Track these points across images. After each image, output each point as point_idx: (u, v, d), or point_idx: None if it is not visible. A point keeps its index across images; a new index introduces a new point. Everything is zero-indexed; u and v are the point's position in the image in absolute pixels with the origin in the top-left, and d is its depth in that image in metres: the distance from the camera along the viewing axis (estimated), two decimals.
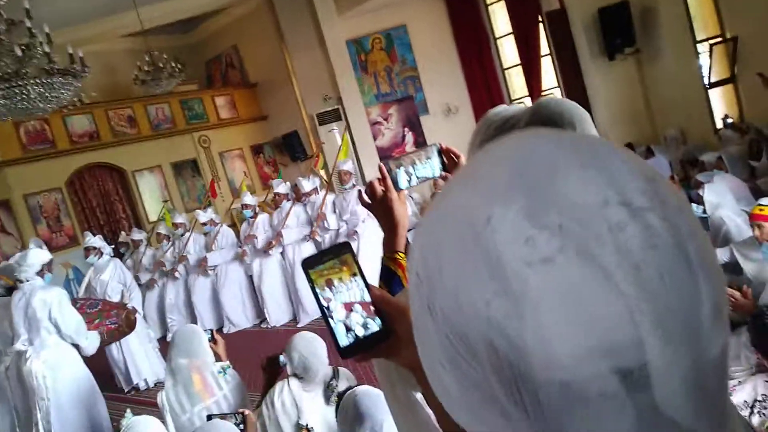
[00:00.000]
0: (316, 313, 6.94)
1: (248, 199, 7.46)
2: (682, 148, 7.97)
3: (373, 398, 2.17)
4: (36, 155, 9.71)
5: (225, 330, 7.55)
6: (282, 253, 7.25)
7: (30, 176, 9.59)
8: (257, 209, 7.48)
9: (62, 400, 4.26)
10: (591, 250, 0.37)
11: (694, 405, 0.37)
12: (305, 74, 11.49)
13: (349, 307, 0.74)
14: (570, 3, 9.13)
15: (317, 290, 0.73)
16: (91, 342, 4.63)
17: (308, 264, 0.74)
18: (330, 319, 0.73)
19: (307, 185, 6.98)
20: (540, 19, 9.95)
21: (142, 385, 6.09)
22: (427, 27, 11.19)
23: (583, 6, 8.87)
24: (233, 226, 9.07)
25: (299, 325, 6.98)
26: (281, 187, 7.29)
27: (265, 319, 7.44)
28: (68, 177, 10.20)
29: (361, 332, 0.74)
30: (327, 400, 2.86)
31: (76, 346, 4.53)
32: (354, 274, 0.75)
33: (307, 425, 2.77)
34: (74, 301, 5.34)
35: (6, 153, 9.36)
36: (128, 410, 3.21)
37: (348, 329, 0.74)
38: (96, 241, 6.41)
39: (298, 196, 7.28)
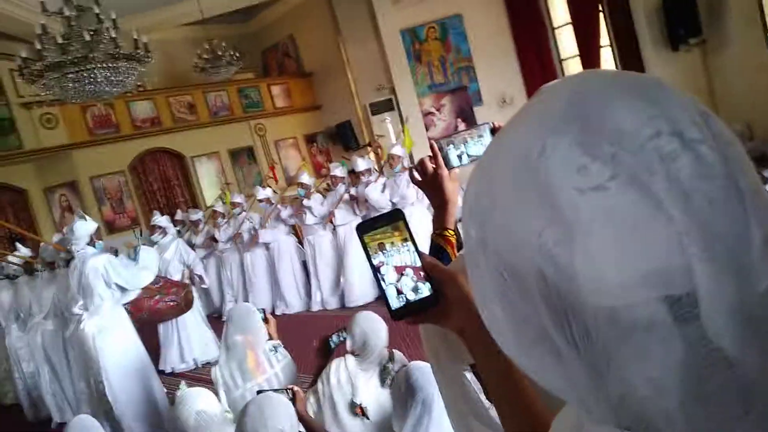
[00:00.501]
0: (361, 299, 7.04)
1: (305, 178, 7.60)
2: (748, 144, 7.64)
3: (425, 372, 2.20)
4: (101, 139, 10.17)
5: (277, 312, 7.73)
6: (334, 234, 7.36)
7: (95, 159, 10.05)
8: (312, 190, 7.61)
9: (112, 365, 4.47)
10: (642, 178, 0.38)
11: (741, 334, 0.37)
12: (359, 64, 11.57)
13: (400, 271, 0.76)
14: None
15: (370, 254, 0.76)
16: (151, 268, 4.92)
17: (362, 229, 0.77)
18: (381, 282, 0.76)
19: (362, 164, 7.04)
20: (600, 8, 9.67)
21: (191, 365, 6.25)
22: (483, 16, 11.04)
23: None
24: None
25: (346, 308, 7.08)
26: (338, 170, 7.41)
27: (314, 302, 7.57)
28: (131, 161, 10.63)
29: (411, 296, 0.76)
30: (382, 382, 2.89)
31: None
32: (405, 240, 0.77)
33: (360, 404, 2.80)
34: None
35: (74, 136, 9.83)
36: (183, 382, 3.34)
37: (399, 292, 0.76)
38: (163, 220, 6.68)
39: (353, 182, 7.37)
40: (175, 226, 8.82)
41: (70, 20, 5.73)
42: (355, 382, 2.87)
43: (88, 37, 5.56)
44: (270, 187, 8.49)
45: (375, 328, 2.89)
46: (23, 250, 5.75)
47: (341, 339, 3.02)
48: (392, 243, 0.77)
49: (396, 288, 0.76)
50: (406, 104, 11.16)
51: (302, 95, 13.20)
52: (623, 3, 9.00)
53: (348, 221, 7.11)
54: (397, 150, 6.77)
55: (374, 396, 2.87)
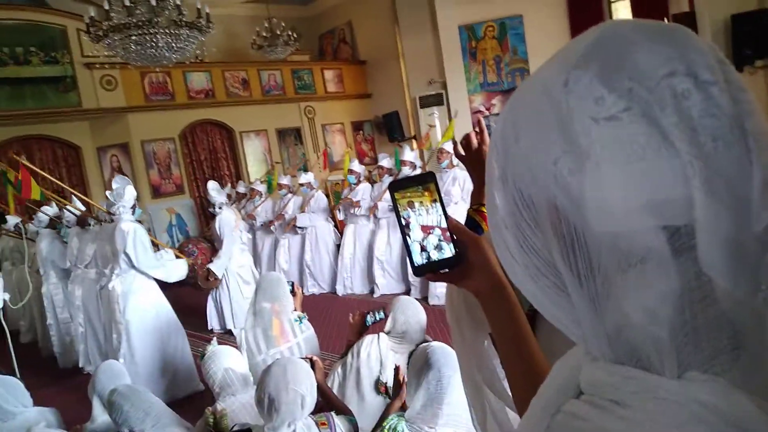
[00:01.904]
0: (388, 289, 7.09)
1: (355, 165, 7.67)
2: None
3: (446, 353, 2.22)
4: (156, 105, 10.44)
5: (305, 291, 7.85)
6: (375, 224, 7.40)
7: (149, 124, 10.34)
8: (361, 177, 7.66)
9: (134, 324, 4.63)
10: (654, 112, 0.40)
11: (734, 269, 0.39)
12: (413, 56, 11.57)
13: (426, 230, 0.79)
14: (701, 6, 8.59)
15: (399, 210, 0.79)
16: (170, 271, 4.93)
17: (394, 186, 0.81)
18: (407, 238, 0.79)
19: (408, 154, 7.06)
20: (666, 20, 9.44)
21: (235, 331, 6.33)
22: (544, 19, 10.88)
23: (715, 10, 8.33)
24: (327, 197, 9.34)
25: (374, 297, 7.14)
26: (386, 161, 7.44)
27: (342, 286, 7.64)
28: (182, 129, 10.89)
29: (435, 254, 0.79)
30: None
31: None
32: (435, 201, 0.80)
33: (386, 383, 2.83)
34: (184, 244, 5.68)
35: (131, 100, 10.13)
36: (214, 339, 3.43)
37: (422, 249, 0.79)
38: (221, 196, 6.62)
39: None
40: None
41: None
42: (385, 361, 2.90)
43: (154, 2, 5.75)
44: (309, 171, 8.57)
45: (417, 319, 2.91)
46: (78, 204, 5.96)
47: (377, 318, 3.06)
48: (421, 202, 0.80)
49: (420, 245, 0.79)
50: (456, 100, 11.12)
51: (354, 82, 13.27)
52: (690, 18, 8.75)
53: (390, 215, 7.13)
54: (448, 145, 6.75)
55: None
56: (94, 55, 8.49)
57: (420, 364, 2.23)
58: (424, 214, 0.79)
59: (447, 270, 0.81)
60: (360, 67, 13.38)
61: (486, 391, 1.03)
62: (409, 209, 0.79)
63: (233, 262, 6.22)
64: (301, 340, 3.41)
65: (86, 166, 10.32)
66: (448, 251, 0.80)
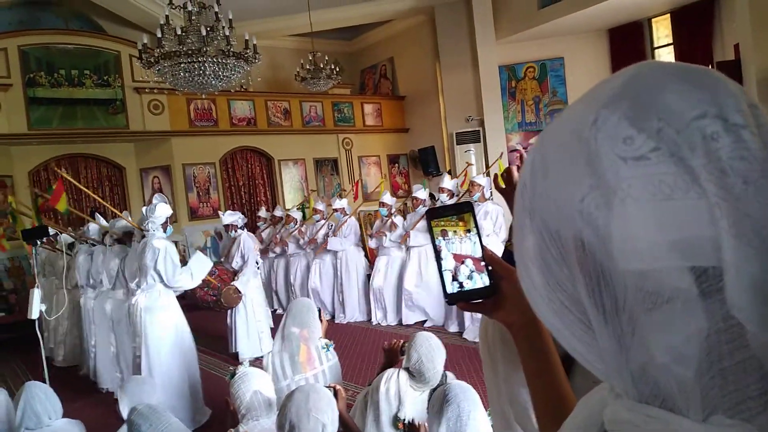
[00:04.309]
0: (416, 319, 7.05)
1: (387, 198, 7.72)
2: None
3: (464, 389, 2.19)
4: (199, 131, 10.77)
5: (336, 320, 7.87)
6: (407, 254, 7.39)
7: (191, 148, 10.65)
8: (393, 210, 7.70)
9: (153, 342, 4.68)
10: (683, 153, 0.40)
11: (763, 312, 0.38)
12: (452, 93, 11.69)
13: (459, 259, 0.80)
14: (747, 55, 8.50)
15: (434, 238, 0.80)
16: (194, 270, 4.98)
17: (431, 214, 0.82)
18: (440, 266, 0.80)
19: (448, 183, 7.07)
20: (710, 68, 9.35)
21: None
22: (585, 63, 10.92)
23: (761, 59, 8.23)
24: (359, 226, 9.39)
25: (403, 327, 7.10)
26: (420, 192, 7.46)
27: (374, 316, 7.62)
28: (222, 155, 11.18)
29: (468, 284, 0.79)
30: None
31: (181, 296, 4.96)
32: (469, 231, 0.81)
33: (404, 419, 2.79)
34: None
35: (175, 124, 10.48)
36: (246, 360, 3.44)
37: (455, 278, 0.79)
38: (229, 217, 6.82)
39: (432, 203, 7.43)
40: (257, 221, 9.25)
41: (191, 15, 6.19)
42: (403, 397, 2.86)
43: (204, 32, 5.99)
44: (344, 198, 8.66)
45: (432, 356, 2.86)
46: (102, 222, 6.10)
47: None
48: (455, 231, 0.80)
49: (452, 273, 0.79)
50: (493, 138, 11.15)
51: (392, 116, 13.46)
52: (736, 66, 8.66)
53: (423, 244, 7.13)
54: (480, 179, 6.75)
55: (419, 415, 2.85)
56: (143, 80, 8.83)
57: (439, 402, 2.20)
58: (457, 243, 0.80)
59: (480, 300, 0.81)
60: (399, 102, 13.57)
61: (516, 427, 1.01)
62: (441, 238, 0.80)
63: (249, 285, 6.37)
64: (326, 367, 3.40)
65: (129, 185, 10.65)
66: (480, 281, 0.80)
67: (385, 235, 7.44)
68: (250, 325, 6.42)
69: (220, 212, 7.01)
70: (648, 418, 0.43)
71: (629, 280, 0.41)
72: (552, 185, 0.46)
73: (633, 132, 0.42)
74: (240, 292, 6.24)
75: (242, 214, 7.24)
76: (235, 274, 6.38)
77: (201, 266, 5.09)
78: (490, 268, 0.80)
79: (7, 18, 10.11)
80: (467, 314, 6.31)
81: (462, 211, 0.82)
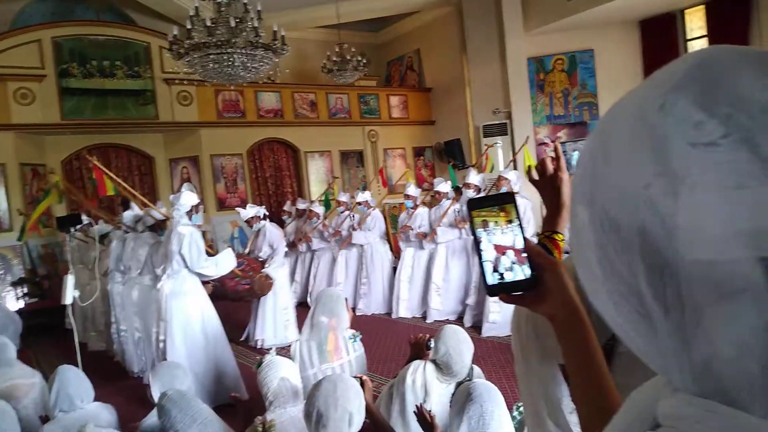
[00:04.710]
0: (442, 315, 7.03)
1: (411, 190, 7.69)
2: None
3: (488, 388, 2.19)
4: (227, 122, 10.88)
5: (357, 312, 7.89)
6: (434, 248, 7.36)
7: (219, 139, 10.77)
8: (418, 201, 7.67)
9: (177, 327, 4.76)
10: (755, 140, 0.38)
11: None
12: (480, 85, 11.60)
13: (500, 250, 0.78)
14: None
15: (474, 229, 0.80)
16: (219, 264, 5.07)
17: (472, 205, 0.81)
18: (481, 257, 0.79)
19: (473, 177, 7.00)
20: None
21: (258, 344, 6.47)
22: (616, 55, 10.74)
23: None
24: (383, 218, 9.40)
25: (427, 322, 7.09)
26: (442, 186, 7.41)
27: (397, 309, 7.62)
28: (250, 146, 11.28)
29: (509, 276, 0.78)
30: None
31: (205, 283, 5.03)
32: (510, 221, 0.79)
33: (429, 411, 2.81)
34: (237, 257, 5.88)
35: (203, 115, 10.61)
36: (273, 349, 3.48)
37: (495, 269, 0.78)
38: (250, 211, 6.94)
39: (457, 198, 7.38)
40: (282, 215, 9.32)
41: (220, 6, 6.24)
42: (429, 389, 2.87)
43: (233, 24, 6.04)
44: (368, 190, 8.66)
45: (460, 349, 2.87)
46: (136, 210, 6.20)
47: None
48: (496, 222, 0.79)
49: (492, 265, 0.78)
50: (521, 131, 11.04)
51: (418, 108, 13.41)
52: None
53: (449, 239, 7.10)
54: (508, 173, 6.67)
55: (445, 408, 2.86)
56: (173, 72, 8.95)
57: (462, 399, 2.21)
58: (498, 234, 0.79)
59: (521, 292, 0.80)
60: (425, 94, 13.51)
61: (549, 423, 1.01)
62: (482, 229, 0.79)
63: (278, 273, 6.49)
64: (353, 358, 3.43)
65: (158, 176, 10.82)
66: (521, 273, 0.79)
67: (411, 230, 7.42)
68: (277, 313, 6.51)
69: (238, 209, 7.08)
70: (710, 414, 0.41)
71: (695, 270, 0.40)
72: (614, 172, 0.45)
73: (703, 117, 0.40)
74: (271, 279, 6.33)
75: (268, 205, 7.31)
76: (263, 263, 6.46)
77: (227, 261, 5.18)
78: (532, 259, 0.79)
79: (41, 10, 10.32)
80: (486, 311, 6.28)
81: (504, 202, 0.80)
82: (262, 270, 6.32)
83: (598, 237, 0.46)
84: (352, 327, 3.67)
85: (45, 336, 7.35)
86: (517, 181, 6.61)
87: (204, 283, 5.06)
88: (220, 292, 5.75)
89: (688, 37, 10.19)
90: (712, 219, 0.38)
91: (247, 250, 7.03)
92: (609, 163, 0.45)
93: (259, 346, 6.40)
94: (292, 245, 8.61)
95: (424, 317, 7.31)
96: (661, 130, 0.41)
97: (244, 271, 6.18)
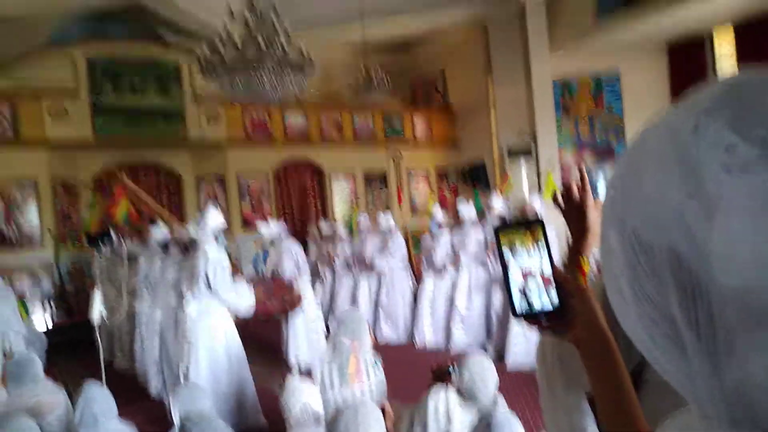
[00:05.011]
0: (464, 344, 6.94)
1: (437, 211, 7.67)
2: None
3: (510, 422, 2.16)
4: (254, 142, 11.02)
5: (376, 336, 7.83)
6: (457, 274, 7.29)
7: (245, 159, 10.93)
8: (442, 224, 7.62)
9: (203, 346, 4.75)
10: None
11: None
12: (504, 107, 11.60)
13: (526, 275, 0.78)
14: None
15: (502, 252, 0.79)
16: (240, 297, 5.04)
17: (499, 227, 0.80)
18: (507, 281, 0.78)
19: (497, 202, 6.96)
20: None
21: (293, 362, 6.45)
22: (643, 79, 10.66)
23: None
24: (405, 242, 9.37)
25: (449, 350, 7.00)
26: (465, 208, 7.35)
27: (418, 337, 7.53)
28: (276, 166, 11.40)
29: (535, 300, 0.78)
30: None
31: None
32: (538, 246, 0.79)
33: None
34: (254, 283, 5.92)
35: (231, 134, 10.79)
36: (296, 373, 3.49)
37: (522, 294, 0.78)
38: (271, 228, 7.00)
39: (480, 221, 7.31)
40: (306, 237, 9.38)
41: (250, 26, 6.36)
42: (452, 415, 2.83)
43: (262, 43, 6.14)
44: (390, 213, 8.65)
45: (485, 377, 2.84)
46: (163, 229, 6.28)
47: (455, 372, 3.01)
48: (524, 246, 0.79)
49: (519, 289, 0.78)
50: (546, 153, 11.00)
51: (442, 130, 13.45)
52: None
53: (475, 266, 7.02)
54: (535, 201, 6.57)
55: None
56: (203, 91, 9.12)
57: (482, 426, 2.17)
58: (525, 258, 0.78)
59: (547, 317, 0.79)
60: (449, 115, 13.56)
61: None
62: (510, 252, 0.79)
63: (304, 287, 6.55)
64: (373, 383, 3.40)
65: (185, 193, 10.98)
66: (548, 298, 0.78)
67: (433, 251, 7.36)
68: (308, 325, 6.56)
69: (259, 222, 7.11)
70: None
71: (728, 295, 0.39)
72: (645, 194, 0.44)
73: (737, 140, 0.39)
74: (300, 295, 6.36)
75: (292, 224, 7.34)
76: (290, 283, 6.49)
77: (245, 299, 5.14)
78: (559, 285, 0.78)
79: (76, 30, 10.63)
80: (509, 342, 6.18)
81: (532, 226, 0.80)
82: (291, 286, 6.36)
83: (629, 260, 0.46)
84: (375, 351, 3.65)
85: (72, 352, 7.43)
86: (542, 207, 6.53)
87: None
88: (262, 319, 5.81)
89: (718, 59, 10.08)
90: (746, 244, 0.38)
91: (267, 272, 7.05)
92: (641, 186, 0.45)
93: (295, 363, 6.40)
94: (313, 272, 8.62)
95: (446, 346, 7.22)
96: (693, 153, 0.41)
97: (275, 294, 6.22)
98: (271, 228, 6.97)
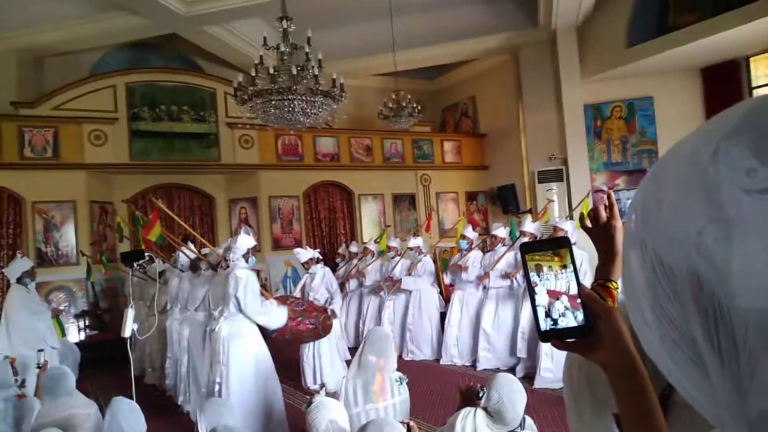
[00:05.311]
0: (491, 364, 6.86)
1: (469, 232, 7.69)
2: None
3: None
4: (286, 165, 11.22)
5: (405, 356, 7.80)
6: (484, 294, 7.27)
7: (277, 182, 11.10)
8: (473, 245, 7.64)
9: (234, 370, 4.78)
10: None
11: None
12: (535, 131, 11.58)
13: (554, 295, 0.78)
14: None
15: (528, 272, 0.79)
16: (272, 319, 5.08)
17: (526, 248, 0.80)
18: (534, 302, 0.78)
19: (529, 225, 6.90)
20: None
21: (320, 387, 6.46)
22: (676, 103, 10.52)
23: None
24: (434, 263, 9.37)
25: (477, 369, 6.94)
26: (500, 231, 7.36)
27: (446, 355, 7.50)
28: (306, 189, 11.55)
29: (562, 321, 0.77)
30: None
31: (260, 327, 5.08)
32: (565, 267, 0.78)
33: None
34: (286, 298, 5.99)
35: (264, 158, 11.00)
36: (323, 390, 3.49)
37: (547, 315, 0.77)
38: (308, 254, 7.14)
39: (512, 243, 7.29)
40: (335, 258, 9.46)
41: (283, 55, 6.53)
42: None
43: (295, 72, 6.30)
44: (419, 236, 8.67)
45: (513, 399, 2.81)
46: (191, 249, 6.40)
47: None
48: (550, 267, 0.79)
49: (545, 310, 0.77)
50: (577, 178, 10.90)
51: (472, 154, 13.47)
52: None
53: (502, 286, 7.00)
54: (564, 224, 6.53)
55: None
56: (236, 116, 9.35)
57: None
58: (552, 279, 0.78)
59: (574, 339, 0.78)
60: (479, 139, 13.58)
61: None
62: (536, 273, 0.78)
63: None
64: (397, 401, 3.39)
65: (217, 215, 11.20)
66: (574, 319, 0.77)
67: (466, 271, 7.34)
68: (333, 353, 6.62)
69: (295, 250, 7.25)
70: None
71: (750, 319, 0.39)
72: (667, 217, 0.45)
73: (757, 164, 0.39)
74: (333, 319, 6.40)
75: (322, 246, 7.44)
76: (323, 306, 6.55)
77: (279, 316, 5.21)
78: (586, 306, 0.78)
79: (118, 58, 11.08)
80: (538, 362, 6.10)
81: (559, 247, 0.79)
82: (329, 308, 6.42)
83: (650, 282, 0.46)
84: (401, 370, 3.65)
85: (104, 367, 7.58)
86: (573, 232, 6.46)
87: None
88: (290, 339, 5.85)
89: (754, 84, 9.91)
90: (766, 266, 0.38)
91: (296, 292, 7.13)
92: (662, 209, 0.45)
93: (321, 389, 6.39)
94: (340, 286, 8.69)
95: (473, 365, 7.15)
96: (713, 177, 0.41)
97: (306, 311, 6.26)
98: (308, 253, 7.08)
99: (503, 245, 7.24)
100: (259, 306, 4.98)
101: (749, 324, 0.39)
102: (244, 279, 4.89)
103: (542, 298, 0.77)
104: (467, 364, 7.29)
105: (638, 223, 0.48)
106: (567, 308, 0.77)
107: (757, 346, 0.39)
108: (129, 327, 4.86)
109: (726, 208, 0.40)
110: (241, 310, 4.91)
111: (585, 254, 6.21)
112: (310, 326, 6.16)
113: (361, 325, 8.58)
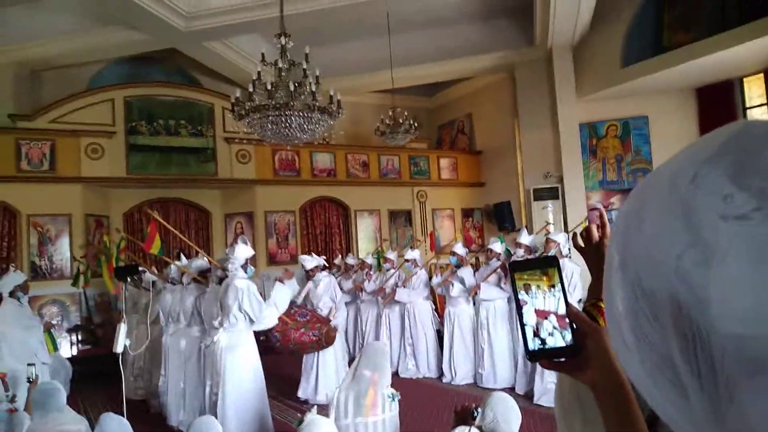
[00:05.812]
0: (492, 380, 6.81)
1: (458, 248, 7.69)
2: None
3: None
4: (282, 180, 11.23)
5: (403, 374, 7.75)
6: (475, 308, 7.27)
7: (274, 196, 11.11)
8: (464, 262, 7.65)
9: (231, 381, 4.77)
10: None
11: None
12: (531, 149, 11.65)
13: (542, 315, 0.77)
14: None
15: (516, 291, 0.79)
16: (280, 305, 5.13)
17: (514, 267, 0.80)
18: (522, 320, 0.77)
19: (526, 238, 6.93)
20: None
21: (322, 399, 6.40)
22: (671, 122, 10.61)
23: None
24: (429, 278, 9.36)
25: (477, 387, 6.89)
26: (496, 245, 7.37)
27: (445, 373, 7.45)
28: (302, 204, 11.55)
29: (550, 341, 0.77)
30: None
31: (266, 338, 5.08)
32: (553, 286, 0.78)
33: None
34: (290, 307, 5.97)
35: (260, 173, 11.03)
36: (314, 407, 3.47)
37: (535, 334, 0.77)
38: (313, 261, 7.12)
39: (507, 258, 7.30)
40: (331, 270, 9.43)
41: (281, 71, 6.57)
42: None
43: (292, 88, 6.34)
44: (417, 249, 8.67)
45: (508, 417, 2.80)
46: (183, 261, 6.37)
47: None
48: (538, 286, 0.78)
49: (534, 329, 0.77)
50: (572, 196, 10.95)
51: (468, 170, 13.52)
52: None
53: (494, 298, 7.00)
54: (557, 236, 6.59)
55: None
56: (233, 131, 9.38)
57: None
58: (540, 298, 0.77)
59: (563, 358, 0.78)
60: (475, 156, 13.65)
61: None
62: (524, 292, 0.78)
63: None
64: (387, 417, 3.37)
65: (213, 229, 11.19)
66: (562, 339, 0.77)
67: (452, 285, 7.35)
68: (338, 363, 6.60)
69: (301, 257, 7.26)
70: None
71: (728, 343, 0.39)
72: (647, 240, 0.45)
73: (734, 189, 0.40)
74: (336, 330, 6.38)
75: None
76: (327, 316, 6.53)
77: (283, 296, 5.23)
78: (574, 325, 0.77)
79: (117, 72, 11.13)
80: (537, 378, 6.08)
81: (547, 266, 0.79)
82: (329, 321, 6.39)
83: (630, 304, 0.46)
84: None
85: (96, 382, 7.51)
86: (565, 244, 6.50)
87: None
88: (293, 349, 5.82)
89: (748, 105, 10.01)
90: (744, 293, 0.38)
91: (299, 301, 7.09)
92: (642, 231, 0.46)
93: (323, 402, 6.36)
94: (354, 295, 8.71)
95: (474, 382, 7.12)
96: (692, 202, 0.41)
97: (310, 321, 6.23)
98: (314, 260, 7.07)
99: (497, 260, 7.25)
100: (265, 309, 4.99)
101: (727, 349, 0.39)
102: (245, 290, 4.88)
103: (530, 318, 0.77)
104: (469, 382, 7.23)
105: (619, 243, 0.48)
106: (555, 328, 0.76)
107: (734, 372, 0.39)
108: (121, 342, 4.83)
109: (704, 234, 0.40)
110: (250, 320, 4.89)
111: (576, 268, 6.23)
112: (314, 338, 6.15)
113: (359, 337, 8.55)
